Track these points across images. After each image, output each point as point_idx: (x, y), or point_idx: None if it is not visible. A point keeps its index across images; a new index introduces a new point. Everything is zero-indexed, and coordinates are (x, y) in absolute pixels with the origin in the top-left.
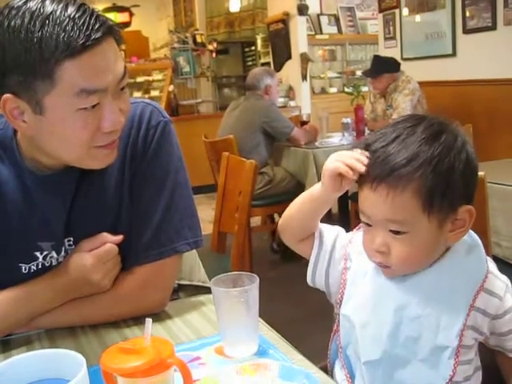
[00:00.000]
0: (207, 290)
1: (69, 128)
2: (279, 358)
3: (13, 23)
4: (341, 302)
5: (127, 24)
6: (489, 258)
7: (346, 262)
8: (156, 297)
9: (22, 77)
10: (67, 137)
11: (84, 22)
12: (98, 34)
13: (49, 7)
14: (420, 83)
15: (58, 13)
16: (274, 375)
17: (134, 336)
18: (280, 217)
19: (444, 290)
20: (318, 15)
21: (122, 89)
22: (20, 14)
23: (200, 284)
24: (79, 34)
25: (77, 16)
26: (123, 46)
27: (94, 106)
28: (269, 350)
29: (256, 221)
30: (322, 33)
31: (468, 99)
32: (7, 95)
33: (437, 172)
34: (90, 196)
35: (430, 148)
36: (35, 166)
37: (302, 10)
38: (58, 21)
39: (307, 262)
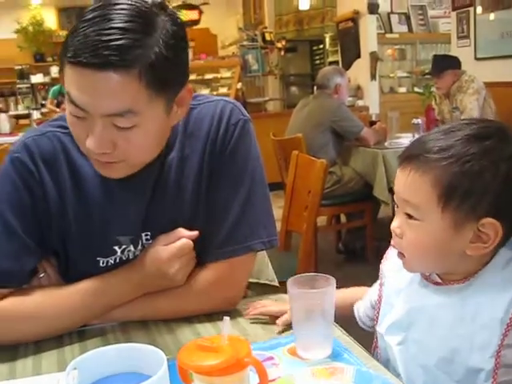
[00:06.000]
0: (275, 289)
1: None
2: (353, 362)
3: (88, 13)
4: (377, 318)
5: (196, 22)
6: None
7: (381, 279)
8: (229, 294)
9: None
10: None
11: (100, 41)
12: (94, 60)
13: (113, 13)
14: (495, 84)
15: (103, 18)
16: (349, 380)
17: (207, 332)
18: (346, 217)
19: (477, 308)
20: (389, 13)
21: (131, 128)
22: (99, 6)
23: (268, 282)
24: (85, 48)
25: (106, 32)
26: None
27: (80, 118)
28: (343, 353)
29: (321, 221)
30: (392, 31)
31: None
32: None
33: (463, 171)
34: (169, 192)
35: (467, 146)
36: None
37: (373, 8)
38: (94, 27)
39: (373, 263)
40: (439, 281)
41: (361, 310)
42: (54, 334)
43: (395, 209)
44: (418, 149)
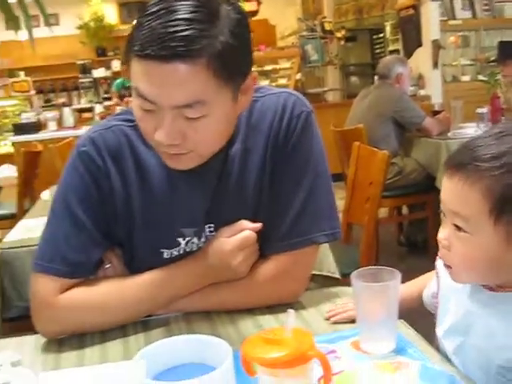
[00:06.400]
0: (336, 281)
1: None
2: (418, 357)
3: (151, 6)
4: (437, 315)
5: (255, 13)
6: None
7: (437, 274)
8: (291, 286)
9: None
10: None
11: (166, 33)
12: (162, 52)
13: (177, 5)
14: None
15: (168, 10)
16: (413, 375)
17: (269, 324)
18: (408, 209)
19: None
20: None
21: (200, 118)
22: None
23: (329, 274)
24: (152, 41)
25: (172, 24)
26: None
27: (149, 111)
28: (407, 348)
29: (382, 212)
30: (455, 18)
31: None
32: None
33: None
34: (232, 184)
35: None
36: None
37: None
38: (160, 19)
39: (435, 256)
40: (493, 286)
41: (427, 300)
42: (119, 323)
43: (442, 218)
44: (468, 156)
